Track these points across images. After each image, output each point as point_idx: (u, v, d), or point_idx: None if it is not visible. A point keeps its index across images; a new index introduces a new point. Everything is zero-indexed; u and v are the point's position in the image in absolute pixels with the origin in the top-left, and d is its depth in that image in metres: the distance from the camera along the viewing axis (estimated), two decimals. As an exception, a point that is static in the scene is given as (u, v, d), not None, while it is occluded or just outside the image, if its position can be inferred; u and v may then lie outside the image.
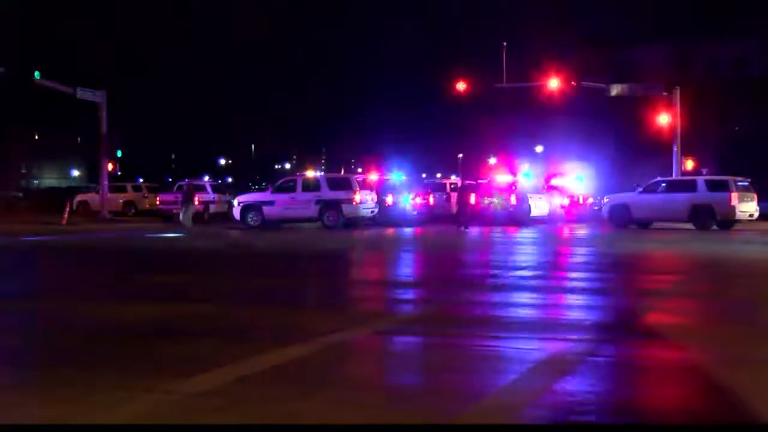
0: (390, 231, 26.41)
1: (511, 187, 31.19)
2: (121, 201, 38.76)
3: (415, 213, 31.62)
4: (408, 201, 31.46)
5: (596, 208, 35.54)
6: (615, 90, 35.02)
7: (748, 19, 55.97)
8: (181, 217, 23.90)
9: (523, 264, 14.86)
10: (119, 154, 37.08)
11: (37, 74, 31.85)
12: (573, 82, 35.67)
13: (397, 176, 34.56)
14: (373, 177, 32.72)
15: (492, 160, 66.02)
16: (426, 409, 4.70)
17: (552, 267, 14.54)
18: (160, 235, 23.66)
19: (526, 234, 24.59)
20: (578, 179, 37.57)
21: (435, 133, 76.20)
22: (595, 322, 7.90)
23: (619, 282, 11.83)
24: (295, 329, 7.18)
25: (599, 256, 16.76)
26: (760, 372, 5.63)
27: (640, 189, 28.29)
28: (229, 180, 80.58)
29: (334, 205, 27.04)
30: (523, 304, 9.21)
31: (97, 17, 79.86)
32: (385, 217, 29.80)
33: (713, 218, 25.63)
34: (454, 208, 28.99)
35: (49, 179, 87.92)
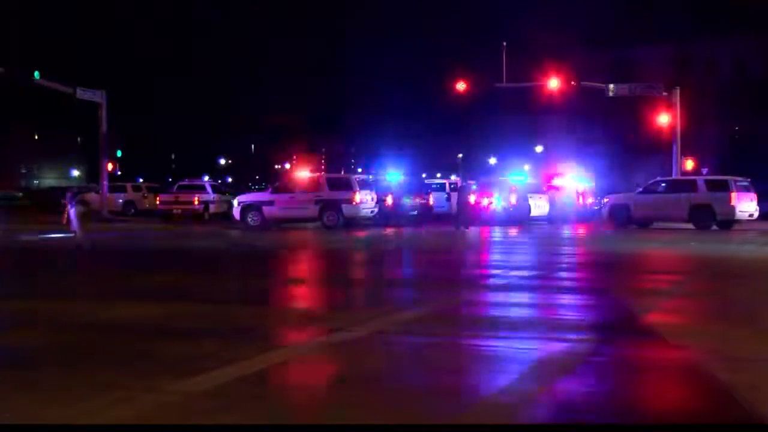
0: (390, 231, 26.41)
1: (511, 188, 31.17)
2: (120, 201, 38.71)
3: (414, 213, 31.60)
4: (408, 201, 31.43)
5: (596, 208, 35.51)
6: (615, 90, 34.98)
7: (748, 19, 55.95)
8: (72, 218, 23.18)
9: (523, 264, 14.86)
10: (119, 154, 37.04)
11: (37, 74, 31.82)
12: (573, 82, 35.63)
13: (395, 176, 34.51)
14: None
15: (492, 160, 66.04)
16: (426, 409, 4.70)
17: (552, 267, 14.53)
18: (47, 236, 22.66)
19: (526, 234, 24.59)
20: (578, 179, 37.54)
21: (435, 133, 76.18)
22: (595, 322, 7.90)
23: (619, 282, 11.82)
24: (295, 329, 7.18)
25: (599, 256, 16.75)
26: (760, 372, 5.63)
27: (640, 189, 28.27)
28: (229, 180, 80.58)
29: (334, 205, 27.02)
30: (523, 304, 9.21)
31: (97, 17, 79.87)
32: (384, 217, 29.78)
33: (713, 218, 25.62)
34: (454, 208, 28.94)
35: (49, 179, 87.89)
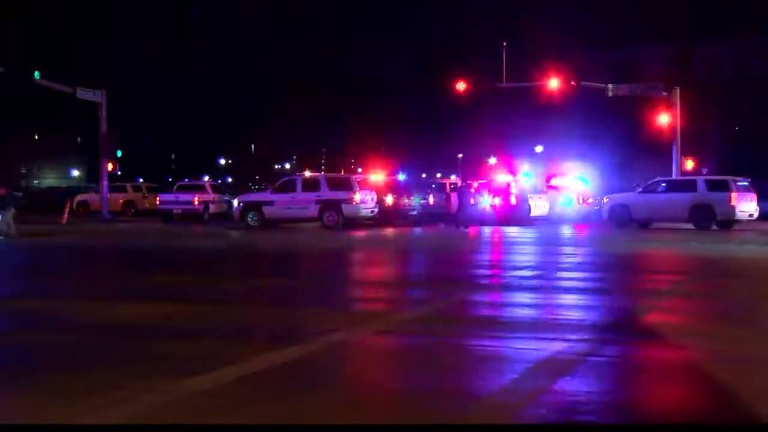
0: (390, 231, 26.41)
1: (510, 187, 31.16)
2: (121, 201, 38.75)
3: (415, 213, 31.59)
4: (408, 201, 31.42)
5: (596, 208, 35.50)
6: (615, 90, 34.98)
7: (748, 19, 55.97)
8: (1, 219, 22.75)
9: (523, 264, 14.86)
10: (119, 154, 37.01)
11: (37, 74, 31.82)
12: (573, 82, 35.63)
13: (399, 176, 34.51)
14: (377, 177, 32.68)
15: (492, 160, 66.00)
16: (426, 409, 4.70)
17: (552, 267, 14.52)
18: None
19: (526, 234, 24.58)
20: (579, 179, 37.52)
21: (435, 133, 76.14)
22: (595, 322, 7.89)
23: (619, 282, 11.82)
24: (295, 329, 7.18)
25: (599, 256, 16.75)
26: (760, 372, 5.63)
27: (640, 189, 28.26)
28: (229, 180, 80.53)
29: (334, 205, 27.02)
30: (523, 304, 9.20)
31: (97, 17, 79.89)
32: (384, 217, 29.79)
33: (713, 218, 25.61)
34: (454, 208, 28.94)
35: (49, 179, 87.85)
